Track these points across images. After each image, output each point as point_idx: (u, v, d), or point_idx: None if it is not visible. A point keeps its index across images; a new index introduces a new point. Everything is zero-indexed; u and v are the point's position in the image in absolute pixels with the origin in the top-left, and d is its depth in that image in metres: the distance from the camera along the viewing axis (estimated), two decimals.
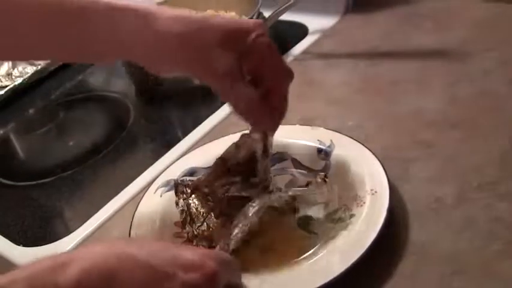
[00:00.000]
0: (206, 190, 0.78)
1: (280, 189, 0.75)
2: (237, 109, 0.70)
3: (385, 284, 0.65)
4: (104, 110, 1.20)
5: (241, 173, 0.77)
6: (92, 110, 1.21)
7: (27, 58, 1.12)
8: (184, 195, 0.78)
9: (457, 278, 0.64)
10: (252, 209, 0.72)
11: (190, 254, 0.54)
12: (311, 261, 0.68)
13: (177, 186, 0.79)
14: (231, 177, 0.77)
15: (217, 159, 0.77)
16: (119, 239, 0.63)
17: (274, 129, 0.73)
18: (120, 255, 0.51)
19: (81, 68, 1.36)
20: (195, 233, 0.75)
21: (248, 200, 0.75)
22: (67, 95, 1.28)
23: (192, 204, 0.77)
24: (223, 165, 0.77)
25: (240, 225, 0.71)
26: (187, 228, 0.76)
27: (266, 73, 0.69)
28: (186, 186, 0.79)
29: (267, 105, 0.69)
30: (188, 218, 0.76)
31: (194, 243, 0.74)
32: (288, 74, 0.70)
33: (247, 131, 0.76)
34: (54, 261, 0.49)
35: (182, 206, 0.77)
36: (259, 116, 0.70)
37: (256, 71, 0.69)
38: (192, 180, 0.79)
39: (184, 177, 0.82)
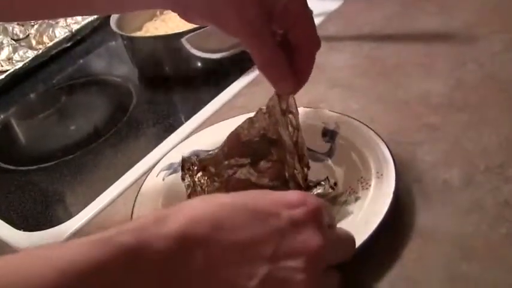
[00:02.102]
0: (213, 170, 0.77)
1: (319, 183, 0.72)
2: (260, 61, 0.67)
3: (392, 268, 0.64)
4: (105, 94, 1.19)
5: (252, 154, 0.75)
6: (94, 94, 1.21)
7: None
8: (190, 172, 0.77)
9: (465, 262, 0.62)
10: None
11: (290, 194, 0.55)
12: None
13: (184, 162, 0.78)
14: (241, 157, 0.76)
15: (230, 133, 0.76)
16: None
17: (296, 89, 0.71)
18: (223, 204, 0.52)
19: (83, 52, 1.36)
20: None
21: (255, 186, 0.74)
22: (68, 79, 1.27)
23: (197, 182, 0.77)
24: (237, 140, 0.75)
25: None
26: None
27: (297, 36, 0.67)
28: (193, 164, 0.78)
29: (291, 66, 0.67)
30: (193, 195, 0.76)
31: None
32: (318, 42, 0.69)
33: (262, 107, 0.74)
34: (157, 215, 0.51)
35: (188, 182, 0.76)
36: (283, 73, 0.67)
37: (287, 33, 0.67)
38: (200, 158, 0.78)
39: (192, 155, 0.80)
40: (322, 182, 0.70)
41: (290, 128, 0.71)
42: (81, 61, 1.33)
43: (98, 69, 1.32)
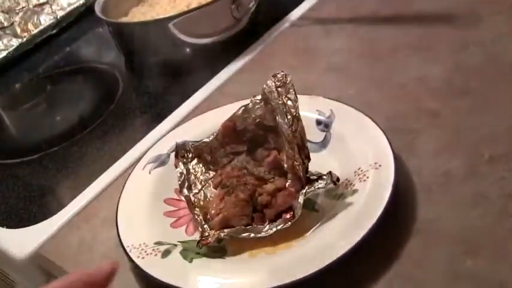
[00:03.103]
0: (209, 158, 0.75)
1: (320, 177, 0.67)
2: None
3: (391, 266, 0.60)
4: (92, 83, 1.15)
5: (248, 142, 0.73)
6: (80, 83, 1.16)
7: None
8: (185, 160, 0.74)
9: (469, 258, 0.59)
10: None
11: None
12: (310, 241, 0.63)
13: (178, 149, 0.75)
14: (237, 144, 0.73)
15: (224, 121, 0.73)
16: None
17: None
18: None
19: (69, 40, 1.31)
20: (192, 199, 0.71)
21: (251, 176, 0.71)
22: (54, 68, 1.23)
23: (191, 170, 0.74)
24: (231, 128, 0.73)
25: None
26: (184, 192, 0.72)
27: None
28: (188, 151, 0.75)
29: None
30: (186, 183, 0.73)
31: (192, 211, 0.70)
32: None
33: (257, 96, 0.71)
34: None
35: (181, 170, 0.73)
36: None
37: None
38: (195, 145, 0.75)
39: (186, 141, 0.76)
40: (324, 176, 0.66)
41: (289, 117, 0.67)
42: (67, 49, 1.29)
43: (84, 57, 1.27)
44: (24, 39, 1.28)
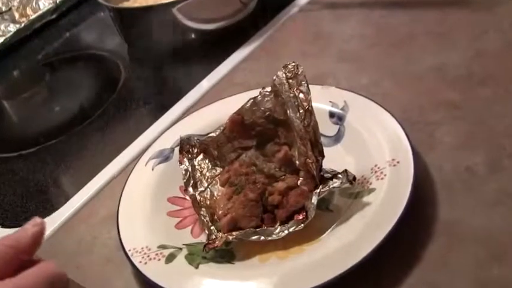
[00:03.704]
0: (215, 153, 0.71)
1: (335, 175, 0.63)
2: None
3: (412, 271, 0.56)
4: (92, 71, 1.11)
5: (257, 136, 0.69)
6: (80, 71, 1.13)
7: None
8: (190, 155, 0.71)
9: (496, 264, 0.55)
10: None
11: None
12: (325, 245, 0.59)
13: (183, 144, 0.71)
14: (245, 139, 0.70)
15: (231, 114, 0.69)
16: None
17: None
18: None
19: (69, 26, 1.27)
20: (198, 198, 0.68)
21: (260, 173, 0.68)
22: (54, 55, 1.19)
23: (197, 166, 0.71)
24: (239, 122, 0.69)
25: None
26: (190, 191, 0.68)
27: None
28: (193, 146, 0.71)
29: None
30: (191, 181, 0.69)
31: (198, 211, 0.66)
32: None
33: (267, 88, 0.67)
34: None
35: (186, 166, 0.70)
36: None
37: None
38: (200, 139, 0.71)
39: (191, 135, 0.73)
40: (340, 175, 0.61)
41: (301, 110, 0.63)
42: (67, 35, 1.24)
43: (85, 43, 1.23)
44: (23, 24, 1.24)
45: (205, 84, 0.92)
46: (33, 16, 1.26)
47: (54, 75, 1.13)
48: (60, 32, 1.26)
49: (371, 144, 0.67)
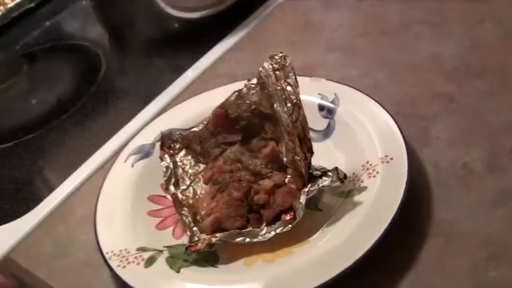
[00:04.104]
0: (198, 148, 0.68)
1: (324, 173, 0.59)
2: None
3: (407, 275, 0.54)
4: (72, 61, 1.07)
5: (242, 131, 0.66)
6: (60, 62, 1.09)
7: None
8: (171, 151, 0.68)
9: (494, 265, 0.52)
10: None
11: None
12: (314, 248, 0.56)
13: (164, 139, 0.68)
14: (229, 134, 0.67)
15: (215, 108, 0.66)
16: None
17: None
18: None
19: (49, 14, 1.22)
20: (180, 197, 0.65)
21: (246, 170, 0.65)
22: (32, 45, 1.15)
23: (178, 163, 0.68)
24: (223, 116, 0.66)
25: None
26: (171, 189, 0.65)
27: None
28: (175, 141, 0.68)
29: None
30: (173, 178, 0.66)
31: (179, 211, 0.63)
32: None
33: (253, 80, 0.64)
34: None
35: (167, 163, 0.67)
36: None
37: None
38: (183, 134, 0.68)
39: (173, 129, 0.70)
40: (330, 173, 0.58)
41: (288, 104, 0.59)
42: (46, 24, 1.20)
43: (65, 32, 1.19)
44: (0, 13, 1.19)
45: (189, 75, 0.89)
46: (11, 4, 1.21)
47: (32, 66, 1.10)
48: (40, 21, 1.21)
49: (362, 140, 0.64)
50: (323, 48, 0.85)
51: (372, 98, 0.67)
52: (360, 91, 0.69)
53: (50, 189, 0.75)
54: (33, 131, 0.88)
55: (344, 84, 0.71)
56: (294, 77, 0.60)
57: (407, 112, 0.69)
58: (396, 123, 0.63)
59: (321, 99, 0.70)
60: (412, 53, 0.78)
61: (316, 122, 0.68)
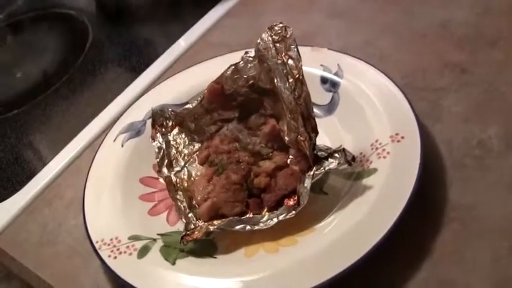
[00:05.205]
0: (192, 126, 0.64)
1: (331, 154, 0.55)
2: None
3: (423, 265, 0.50)
4: (58, 31, 1.02)
5: (239, 107, 0.62)
6: (45, 32, 1.04)
7: None
8: (164, 130, 0.63)
9: None
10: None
11: None
12: (320, 236, 0.51)
13: (156, 117, 0.64)
14: (226, 110, 0.62)
15: (210, 83, 0.62)
16: None
17: None
18: None
19: None
20: (174, 179, 0.60)
21: (245, 150, 0.61)
22: (16, 14, 1.10)
23: (171, 142, 0.64)
24: (219, 92, 0.61)
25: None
26: (164, 172, 0.61)
27: None
28: (167, 118, 0.64)
29: None
30: (166, 160, 0.61)
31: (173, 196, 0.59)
32: None
33: (249, 50, 0.59)
34: None
35: (159, 143, 0.63)
36: None
37: None
38: (175, 111, 0.64)
39: (165, 105, 0.66)
40: (336, 154, 0.54)
41: (290, 80, 0.55)
42: None
43: (51, 0, 1.12)
44: None
45: (181, 44, 0.85)
46: None
47: (16, 36, 1.05)
48: None
49: (370, 116, 0.60)
50: (323, 14, 0.81)
51: (378, 69, 0.63)
52: (365, 62, 0.64)
53: (36, 170, 0.71)
54: (18, 107, 0.84)
55: (348, 54, 0.66)
56: (296, 49, 0.55)
57: (416, 85, 0.65)
58: (406, 97, 0.58)
59: (324, 70, 0.65)
60: (420, 19, 0.74)
61: (318, 95, 0.63)
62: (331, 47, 0.69)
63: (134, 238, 0.55)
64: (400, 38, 0.72)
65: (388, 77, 0.61)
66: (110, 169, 0.63)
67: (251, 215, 0.55)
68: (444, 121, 0.60)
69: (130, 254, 0.54)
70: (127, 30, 0.95)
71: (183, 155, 0.63)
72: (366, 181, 0.54)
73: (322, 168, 0.53)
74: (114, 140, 0.66)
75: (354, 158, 0.53)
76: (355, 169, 0.55)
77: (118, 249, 0.54)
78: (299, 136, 0.55)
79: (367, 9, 0.79)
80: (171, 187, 0.59)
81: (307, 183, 0.52)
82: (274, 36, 0.56)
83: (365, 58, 0.65)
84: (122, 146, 0.65)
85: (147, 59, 0.84)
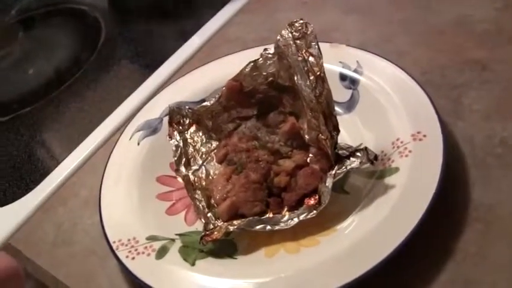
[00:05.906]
0: (210, 124, 0.63)
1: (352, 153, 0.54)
2: None
3: (446, 266, 0.49)
4: (70, 27, 1.02)
5: (258, 104, 0.61)
6: (57, 28, 1.04)
7: None
8: (181, 127, 0.62)
9: None
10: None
11: None
12: (342, 236, 0.51)
13: (173, 114, 0.63)
14: (244, 108, 0.62)
15: (228, 81, 0.61)
16: None
17: None
18: None
19: None
20: (192, 178, 0.60)
21: (263, 148, 0.60)
22: (28, 10, 1.10)
23: (189, 140, 0.63)
24: (238, 89, 0.61)
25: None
26: (182, 171, 0.60)
27: None
28: (185, 116, 0.63)
29: None
30: (183, 158, 0.61)
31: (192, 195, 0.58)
32: None
33: (268, 46, 0.58)
34: None
35: (177, 141, 0.62)
36: None
37: None
38: (193, 109, 0.63)
39: (182, 103, 0.65)
40: (358, 153, 0.53)
41: (311, 77, 0.54)
42: None
43: None
44: None
45: (196, 40, 0.84)
46: None
47: (28, 33, 1.04)
48: None
49: (391, 114, 0.59)
50: (339, 9, 0.80)
51: (398, 66, 0.62)
52: (385, 58, 0.63)
53: (50, 169, 0.71)
54: (30, 104, 0.84)
55: (366, 50, 0.65)
56: (316, 46, 0.54)
57: (436, 82, 0.64)
58: (427, 94, 0.57)
59: (343, 67, 0.65)
60: (438, 15, 0.73)
61: (337, 92, 0.62)
62: (348, 43, 0.67)
63: (152, 238, 0.55)
64: (417, 34, 0.71)
65: (409, 74, 0.60)
66: (126, 168, 0.62)
67: (271, 215, 0.54)
68: (465, 119, 0.59)
69: (149, 254, 0.53)
70: (141, 26, 0.95)
71: (200, 153, 0.62)
72: (388, 180, 0.53)
73: (344, 167, 0.52)
74: (130, 138, 0.65)
75: (376, 157, 0.52)
76: (376, 168, 0.54)
77: (136, 250, 0.54)
78: (320, 134, 0.54)
79: (383, 5, 0.78)
80: (189, 186, 0.58)
81: (329, 182, 0.52)
82: (294, 33, 0.55)
83: (383, 55, 0.64)
84: (138, 144, 0.64)
85: (161, 55, 0.83)
